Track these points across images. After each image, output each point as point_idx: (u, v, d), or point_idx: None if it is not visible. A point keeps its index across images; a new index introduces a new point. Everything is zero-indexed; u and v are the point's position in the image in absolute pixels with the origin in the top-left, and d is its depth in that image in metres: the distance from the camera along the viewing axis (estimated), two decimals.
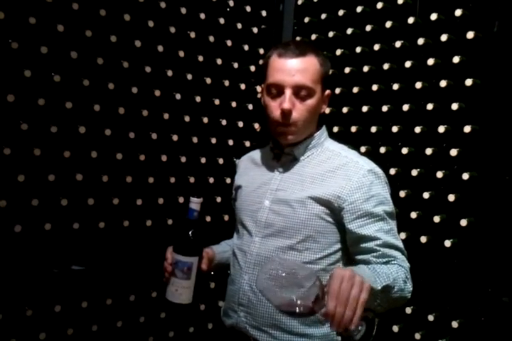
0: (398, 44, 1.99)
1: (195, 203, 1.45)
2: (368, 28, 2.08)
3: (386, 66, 2.01)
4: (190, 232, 1.46)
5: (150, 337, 2.05)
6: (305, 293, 1.10)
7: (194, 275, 1.44)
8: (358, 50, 2.11)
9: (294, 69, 1.44)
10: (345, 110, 2.15)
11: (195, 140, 2.13)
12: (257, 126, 2.35)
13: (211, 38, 2.17)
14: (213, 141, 2.19)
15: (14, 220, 1.69)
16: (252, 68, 2.33)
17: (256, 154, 1.69)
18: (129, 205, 1.96)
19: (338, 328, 1.11)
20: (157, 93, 2.01)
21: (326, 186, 1.45)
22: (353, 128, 2.11)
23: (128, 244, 1.98)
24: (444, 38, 1.85)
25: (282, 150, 1.55)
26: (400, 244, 1.45)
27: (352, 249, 1.47)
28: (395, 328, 1.91)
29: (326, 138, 1.57)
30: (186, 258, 1.44)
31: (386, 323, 1.94)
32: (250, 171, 1.65)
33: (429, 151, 1.86)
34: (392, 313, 1.90)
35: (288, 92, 1.44)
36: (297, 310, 1.10)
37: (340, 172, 1.46)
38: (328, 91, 1.54)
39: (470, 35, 1.79)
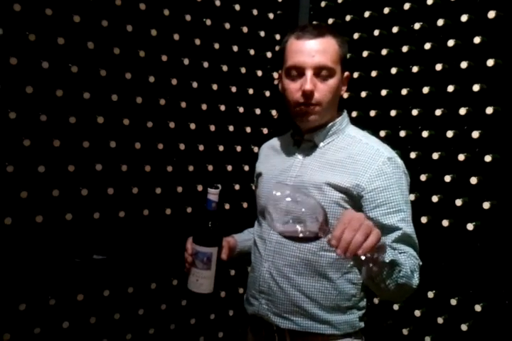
0: (417, 26, 1.95)
1: (212, 194, 1.45)
2: (386, 10, 2.04)
3: (405, 49, 1.98)
4: (208, 223, 1.46)
5: (171, 324, 2.07)
6: (309, 220, 1.11)
7: (214, 265, 1.45)
8: (376, 33, 2.08)
9: (313, 50, 1.43)
10: (363, 94, 2.12)
11: (212, 128, 2.13)
12: (274, 112, 2.34)
13: (227, 25, 2.15)
14: (231, 128, 2.19)
15: (35, 211, 1.71)
16: (269, 54, 2.31)
17: (276, 141, 1.68)
18: (149, 194, 1.97)
19: (345, 253, 1.08)
20: (174, 82, 2.01)
21: (345, 173, 1.44)
22: (372, 113, 2.08)
23: (148, 233, 2.00)
24: (464, 18, 1.81)
25: (302, 136, 1.54)
26: (416, 238, 1.43)
27: None
28: (417, 313, 1.89)
29: (347, 124, 1.55)
30: (206, 249, 1.44)
31: (408, 308, 1.93)
32: (271, 158, 1.65)
33: (450, 134, 1.83)
34: (414, 298, 1.90)
35: (309, 73, 1.43)
36: (301, 234, 1.11)
37: (360, 159, 1.44)
38: (347, 73, 1.52)
39: (491, 14, 1.75)
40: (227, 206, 2.17)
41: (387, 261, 1.22)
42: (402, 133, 1.97)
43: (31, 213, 1.70)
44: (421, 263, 1.40)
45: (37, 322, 1.74)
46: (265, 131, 2.31)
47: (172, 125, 2.01)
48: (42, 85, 1.71)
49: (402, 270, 1.28)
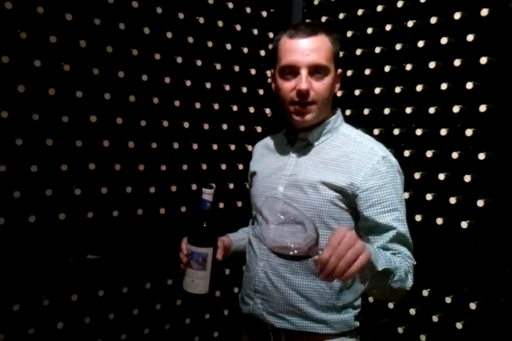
0: (410, 24, 1.95)
1: (207, 194, 1.44)
2: (379, 8, 2.04)
3: (398, 46, 1.98)
4: (203, 223, 1.45)
5: (166, 324, 2.06)
6: (301, 238, 1.11)
7: (209, 265, 1.44)
8: (370, 31, 2.08)
9: (307, 48, 1.42)
10: (357, 92, 2.12)
11: (206, 127, 2.12)
12: (268, 111, 2.33)
13: (220, 23, 2.14)
14: (224, 127, 2.18)
15: (28, 211, 1.70)
16: (262, 53, 2.31)
17: (270, 140, 1.68)
18: (142, 193, 1.96)
19: (327, 278, 1.10)
20: (167, 80, 2.00)
21: (340, 172, 1.43)
22: (366, 111, 2.08)
23: (142, 232, 1.99)
24: (457, 15, 1.81)
25: (296, 135, 1.53)
26: (410, 237, 1.43)
27: (363, 236, 1.45)
28: (412, 311, 1.90)
29: (341, 122, 1.55)
30: (201, 249, 1.43)
31: (403, 306, 1.94)
32: (264, 157, 1.64)
33: (443, 132, 1.83)
34: (408, 296, 1.89)
35: (303, 72, 1.42)
36: (291, 253, 1.11)
37: (355, 158, 1.43)
38: (340, 71, 1.52)
39: (484, 12, 1.75)
40: (221, 205, 2.16)
41: (380, 269, 1.23)
42: (396, 131, 1.97)
43: (24, 213, 1.69)
44: (415, 263, 1.41)
45: (31, 323, 1.73)
46: (259, 129, 2.30)
47: (165, 124, 2.00)
48: (34, 84, 1.69)
49: (397, 274, 1.29)
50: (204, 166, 2.12)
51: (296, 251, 1.12)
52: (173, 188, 2.04)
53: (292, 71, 1.44)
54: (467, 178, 1.76)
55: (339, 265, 1.09)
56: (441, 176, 1.82)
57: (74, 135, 1.79)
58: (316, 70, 1.43)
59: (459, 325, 1.78)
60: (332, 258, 1.09)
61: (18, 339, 1.71)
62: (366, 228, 1.43)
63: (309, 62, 1.42)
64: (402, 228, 1.41)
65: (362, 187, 1.41)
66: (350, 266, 1.09)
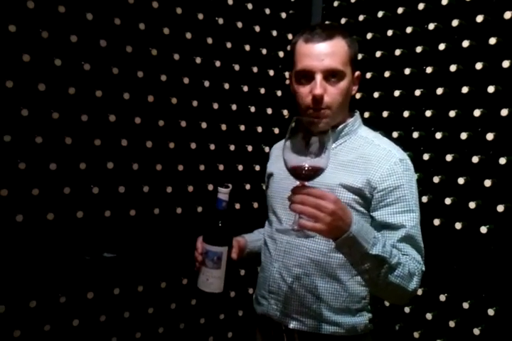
0: (431, 26, 1.93)
1: (223, 193, 1.45)
2: (400, 10, 2.03)
3: (419, 49, 1.96)
4: (219, 222, 1.46)
5: (181, 323, 2.06)
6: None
7: (224, 264, 1.44)
8: (390, 33, 2.06)
9: (322, 53, 1.42)
10: (376, 95, 2.11)
11: (223, 127, 2.12)
12: (285, 112, 2.33)
13: (239, 24, 2.15)
14: (242, 128, 2.18)
15: (47, 208, 1.71)
16: (281, 54, 2.31)
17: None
18: (159, 193, 1.96)
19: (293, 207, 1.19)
20: (186, 80, 2.01)
21: (357, 173, 1.43)
22: (385, 113, 2.07)
23: (158, 232, 1.99)
24: (479, 18, 1.79)
25: None
26: (421, 242, 1.42)
27: None
28: (429, 316, 1.88)
29: (359, 125, 1.54)
30: (216, 248, 1.44)
31: (419, 311, 1.92)
32: (282, 159, 1.63)
33: (464, 136, 1.81)
34: (425, 301, 1.89)
35: (318, 77, 1.42)
36: (303, 172, 1.20)
37: (372, 159, 1.43)
38: (358, 73, 1.51)
39: (508, 15, 1.73)
40: (237, 206, 2.16)
41: (373, 253, 1.23)
42: (415, 135, 1.95)
43: (42, 210, 1.70)
44: (424, 269, 1.39)
45: (47, 320, 1.74)
46: (276, 130, 2.30)
47: (183, 124, 2.01)
48: (54, 83, 1.71)
49: (398, 269, 1.28)
50: (221, 167, 2.12)
51: (306, 169, 1.20)
52: (190, 188, 2.04)
53: (307, 76, 1.44)
54: (487, 183, 1.74)
55: (306, 206, 1.17)
56: (461, 180, 1.80)
57: (93, 134, 1.80)
58: (331, 75, 1.42)
59: (476, 331, 1.76)
60: (308, 198, 1.17)
61: (34, 336, 1.72)
62: (378, 228, 1.42)
63: (324, 67, 1.41)
64: (414, 230, 1.39)
65: (378, 188, 1.40)
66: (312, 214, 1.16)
